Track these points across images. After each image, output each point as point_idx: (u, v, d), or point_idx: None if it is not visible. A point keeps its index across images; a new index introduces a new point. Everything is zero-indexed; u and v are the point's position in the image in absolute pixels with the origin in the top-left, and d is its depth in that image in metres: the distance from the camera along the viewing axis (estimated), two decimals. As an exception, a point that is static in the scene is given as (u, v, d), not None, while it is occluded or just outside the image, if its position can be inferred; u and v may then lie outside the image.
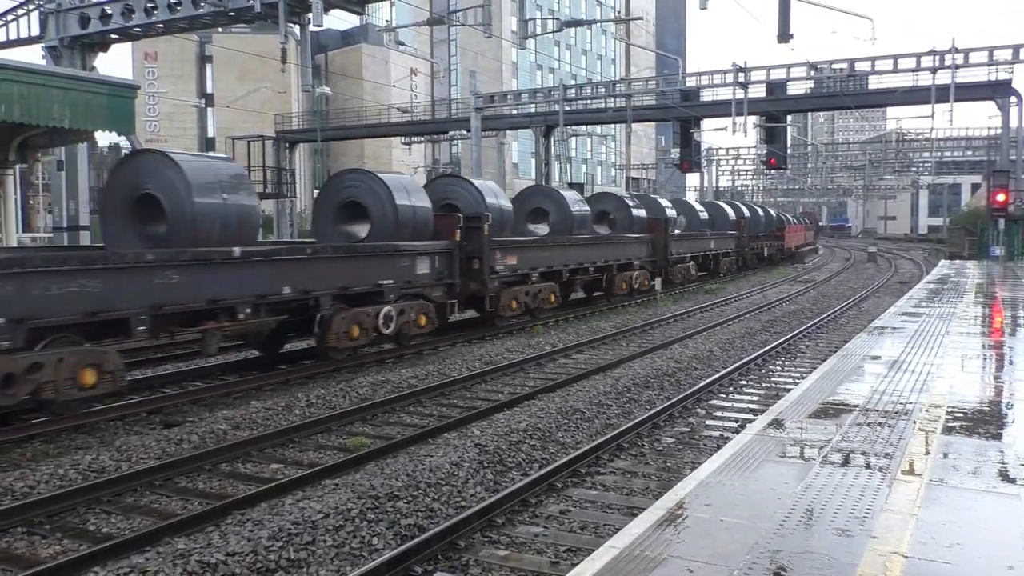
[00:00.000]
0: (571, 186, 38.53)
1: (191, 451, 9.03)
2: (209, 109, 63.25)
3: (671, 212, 30.69)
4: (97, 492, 7.69)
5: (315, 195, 16.99)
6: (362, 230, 16.05)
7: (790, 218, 54.36)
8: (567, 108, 40.57)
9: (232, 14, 24.01)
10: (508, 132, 53.97)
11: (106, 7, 24.89)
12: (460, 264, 16.66)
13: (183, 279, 11.11)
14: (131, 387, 12.58)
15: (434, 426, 10.03)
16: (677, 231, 30.75)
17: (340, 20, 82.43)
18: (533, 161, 52.03)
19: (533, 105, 44.74)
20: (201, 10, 23.92)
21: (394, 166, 63.92)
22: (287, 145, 47.86)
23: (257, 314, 12.37)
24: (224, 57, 59.34)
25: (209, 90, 63.72)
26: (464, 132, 45.22)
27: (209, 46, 62.15)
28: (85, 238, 25.72)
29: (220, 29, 51.66)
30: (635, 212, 27.05)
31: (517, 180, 71.84)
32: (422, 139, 52.59)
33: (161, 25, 25.38)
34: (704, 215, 36.09)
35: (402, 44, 71.17)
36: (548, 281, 20.16)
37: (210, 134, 64.29)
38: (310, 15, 21.93)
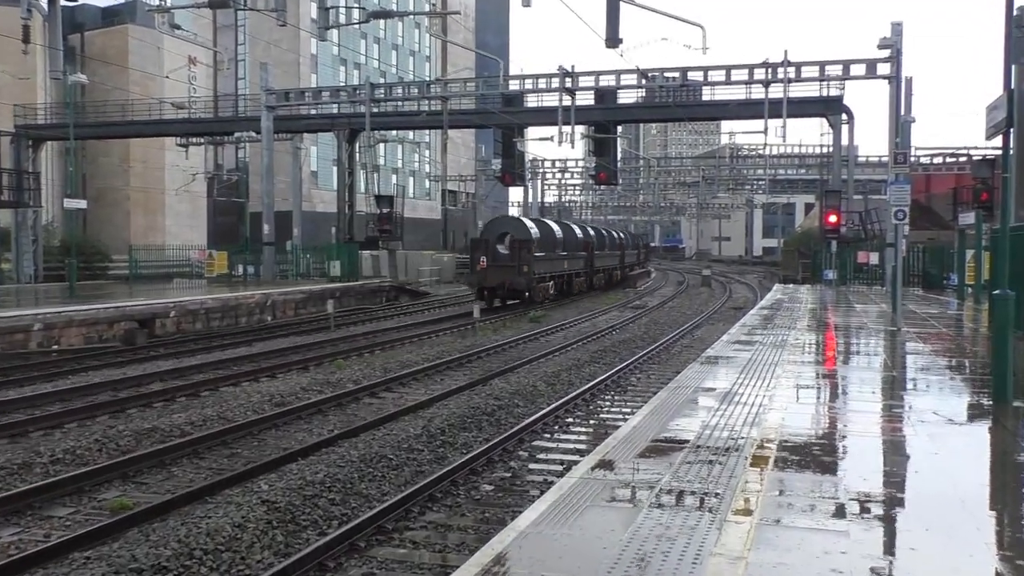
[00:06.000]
0: (379, 199, 38.54)
1: None
2: (-73, 96, 58.21)
3: (535, 232, 34.84)
4: None
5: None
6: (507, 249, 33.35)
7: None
8: (375, 110, 40.59)
9: (-41, -19, 22.32)
10: (306, 135, 53.18)
11: None
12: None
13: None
14: None
15: (213, 481, 9.66)
16: (539, 252, 34.31)
17: (100, -5, 78.47)
18: (335, 169, 51.52)
19: (336, 105, 44.46)
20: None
21: (168, 171, 61.31)
22: (30, 143, 44.95)
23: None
24: (-52, 33, 55.02)
25: (-72, 72, 58.68)
26: (253, 134, 44.15)
27: (-72, 18, 57.37)
28: None
29: (-57, -2, 47.86)
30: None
31: (316, 190, 70.87)
32: (202, 140, 50.77)
33: None
34: (559, 234, 37.86)
35: (178, 28, 68.40)
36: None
37: (-73, 126, 59.18)
38: (61, -13, 20.77)
